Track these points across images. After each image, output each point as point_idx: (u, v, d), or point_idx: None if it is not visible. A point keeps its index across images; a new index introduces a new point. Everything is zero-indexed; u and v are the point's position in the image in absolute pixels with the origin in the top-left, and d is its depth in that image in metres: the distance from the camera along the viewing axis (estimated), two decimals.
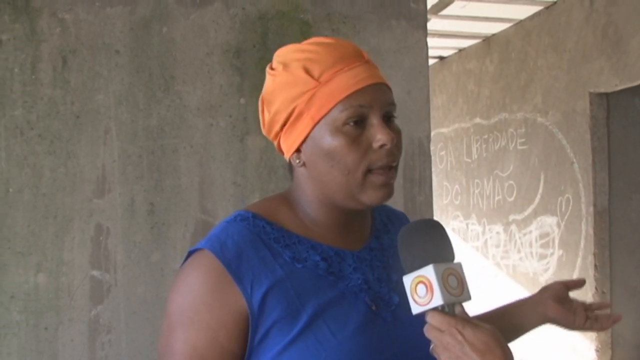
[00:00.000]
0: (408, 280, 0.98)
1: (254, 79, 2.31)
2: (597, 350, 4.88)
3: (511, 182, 6.17)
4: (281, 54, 1.11)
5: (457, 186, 7.45)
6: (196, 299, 1.01)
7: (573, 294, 1.46)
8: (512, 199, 6.15)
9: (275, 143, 1.14)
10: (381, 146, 1.04)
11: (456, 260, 1.00)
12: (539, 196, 5.67)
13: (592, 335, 4.87)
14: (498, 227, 6.41)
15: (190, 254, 1.08)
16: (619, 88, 4.68)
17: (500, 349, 0.92)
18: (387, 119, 1.08)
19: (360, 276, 1.09)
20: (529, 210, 5.84)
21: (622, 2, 4.58)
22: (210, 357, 1.00)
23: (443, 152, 7.74)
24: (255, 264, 1.03)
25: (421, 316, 0.98)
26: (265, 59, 2.33)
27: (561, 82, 5.30)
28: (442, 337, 0.94)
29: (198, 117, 2.27)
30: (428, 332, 0.96)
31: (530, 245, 5.82)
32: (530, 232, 5.82)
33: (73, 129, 2.15)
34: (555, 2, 5.40)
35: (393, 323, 1.08)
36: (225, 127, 2.29)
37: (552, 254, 5.49)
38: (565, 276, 5.28)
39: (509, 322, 1.38)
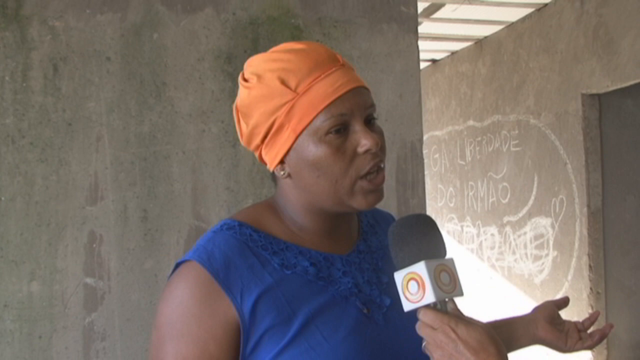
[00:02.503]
0: (399, 276, 0.97)
1: None
2: (592, 351, 4.89)
3: (505, 184, 6.18)
4: (253, 64, 1.09)
5: (451, 189, 7.46)
6: (185, 311, 1.00)
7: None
8: (506, 200, 6.16)
9: (257, 154, 1.12)
10: (366, 151, 1.03)
11: (448, 257, 0.99)
12: (533, 198, 5.68)
13: None
14: (493, 229, 6.42)
15: (178, 265, 1.06)
16: (610, 89, 4.70)
17: (494, 346, 0.92)
18: (368, 122, 1.07)
19: (350, 280, 1.09)
20: (523, 211, 5.85)
21: (613, 4, 4.61)
22: None
23: (437, 155, 7.75)
24: (244, 272, 1.02)
25: (413, 317, 0.97)
26: None
27: (553, 83, 5.32)
28: (434, 334, 0.93)
29: (190, 123, 2.26)
30: (420, 329, 0.95)
31: (525, 246, 5.82)
32: (525, 233, 5.83)
33: (65, 137, 2.15)
34: (546, 4, 5.42)
35: (385, 325, 1.07)
36: (217, 133, 2.29)
37: (546, 255, 5.50)
38: (559, 277, 5.29)
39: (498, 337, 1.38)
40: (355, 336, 1.03)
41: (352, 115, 1.04)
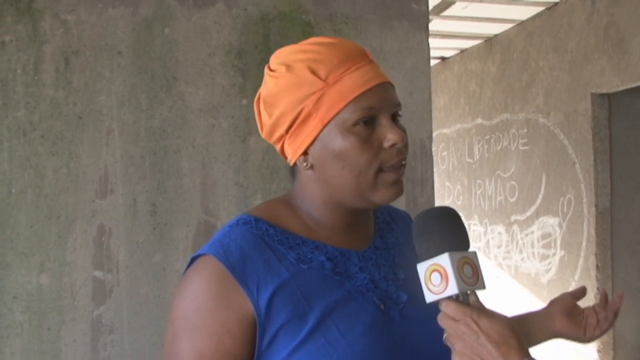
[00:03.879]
0: (422, 268, 0.97)
1: (256, 80, 2.32)
2: (599, 351, 4.87)
3: (513, 182, 6.17)
4: (281, 55, 1.10)
5: (459, 187, 7.44)
6: (201, 305, 1.00)
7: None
8: (514, 199, 6.15)
9: (278, 147, 1.12)
10: (392, 145, 1.04)
11: (471, 249, 0.99)
12: (540, 197, 5.67)
13: None
14: (500, 228, 6.41)
15: (194, 260, 1.06)
16: (620, 89, 4.68)
17: (515, 339, 0.92)
18: (395, 119, 1.08)
19: (367, 275, 1.08)
20: (531, 210, 5.83)
21: (624, 3, 4.58)
22: None
23: (445, 153, 7.73)
24: (260, 266, 1.02)
25: (430, 313, 0.97)
26: (267, 60, 2.29)
27: (563, 82, 5.30)
28: (456, 326, 0.93)
29: (200, 118, 2.27)
30: (442, 320, 0.95)
31: (532, 245, 5.81)
32: (532, 232, 5.81)
33: (75, 130, 2.16)
34: (556, 3, 5.40)
35: (402, 322, 1.07)
36: (227, 128, 2.30)
37: (554, 254, 5.48)
38: (567, 277, 5.28)
39: None
40: (373, 332, 1.03)
41: (380, 110, 1.05)
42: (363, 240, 1.15)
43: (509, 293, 6.20)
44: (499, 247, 6.46)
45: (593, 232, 4.90)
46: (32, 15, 2.14)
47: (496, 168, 6.51)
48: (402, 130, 1.08)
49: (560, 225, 5.37)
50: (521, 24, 5.97)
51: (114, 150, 2.18)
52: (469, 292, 0.96)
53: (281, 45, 2.34)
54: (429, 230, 0.99)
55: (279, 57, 1.10)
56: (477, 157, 6.95)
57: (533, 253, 5.82)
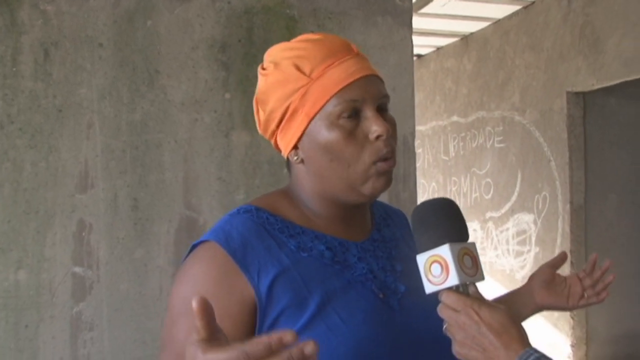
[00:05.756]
0: (422, 259, 0.97)
1: (239, 74, 2.29)
2: (572, 346, 4.94)
3: (488, 179, 6.22)
4: (271, 54, 1.12)
5: (434, 184, 7.49)
6: (201, 289, 1.00)
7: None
8: (489, 196, 6.20)
9: (272, 142, 1.15)
10: (377, 137, 1.05)
11: (470, 241, 1.00)
12: (516, 194, 5.72)
13: (567, 330, 4.93)
14: (475, 225, 6.46)
15: (194, 247, 1.07)
16: (595, 87, 4.74)
17: (515, 328, 0.93)
18: (382, 111, 1.08)
19: (365, 266, 1.10)
20: (506, 207, 5.89)
21: (600, 3, 4.64)
22: None
23: (420, 150, 7.77)
24: (261, 253, 1.03)
25: (428, 304, 0.98)
26: (250, 54, 2.31)
27: (539, 81, 5.35)
28: (457, 316, 0.94)
29: (182, 112, 2.24)
30: (442, 311, 0.96)
31: (507, 242, 5.87)
32: (507, 229, 5.87)
33: (55, 123, 2.11)
34: (533, 2, 5.45)
35: (400, 311, 1.08)
36: (210, 122, 2.27)
37: (528, 251, 5.54)
38: None
39: None
40: (373, 319, 1.04)
41: (363, 102, 1.05)
42: (361, 233, 1.16)
43: (483, 289, 6.24)
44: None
45: (568, 229, 4.96)
46: (9, 5, 2.09)
47: (471, 165, 6.55)
48: (391, 121, 1.09)
49: (535, 222, 5.43)
50: (497, 23, 6.02)
51: (95, 144, 2.15)
52: (468, 283, 0.96)
53: (265, 40, 2.34)
54: (428, 221, 0.99)
55: (269, 56, 1.13)
56: (453, 154, 6.99)
57: (508, 250, 5.87)
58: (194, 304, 0.70)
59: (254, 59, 2.30)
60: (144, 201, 2.19)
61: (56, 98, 2.11)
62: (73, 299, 2.12)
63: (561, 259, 1.47)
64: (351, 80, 1.05)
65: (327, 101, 1.04)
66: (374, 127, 1.04)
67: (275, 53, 1.11)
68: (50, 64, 2.12)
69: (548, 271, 1.43)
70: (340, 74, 1.05)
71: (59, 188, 2.11)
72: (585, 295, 1.41)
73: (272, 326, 1.01)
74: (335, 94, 1.04)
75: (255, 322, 1.01)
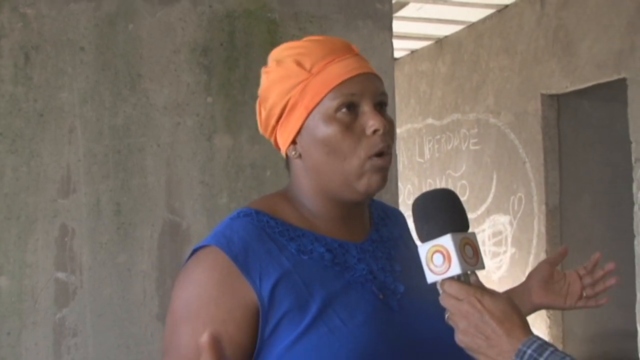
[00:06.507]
0: (424, 249, 0.98)
1: (221, 78, 2.29)
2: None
3: (464, 181, 6.28)
4: (274, 53, 1.14)
5: (409, 186, 7.53)
6: (203, 293, 1.01)
7: None
8: (464, 198, 6.25)
9: (272, 139, 1.15)
10: (374, 132, 1.05)
11: (470, 231, 1.01)
12: (491, 195, 5.78)
13: (544, 329, 5.00)
14: None
15: (194, 252, 1.07)
16: (569, 90, 4.82)
17: (517, 316, 0.94)
18: (380, 108, 1.09)
19: (365, 266, 1.10)
20: (482, 209, 5.95)
21: (572, 7, 4.72)
22: None
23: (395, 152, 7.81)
24: (262, 257, 1.03)
25: (426, 303, 0.99)
26: (232, 58, 2.31)
27: (513, 83, 5.42)
28: (460, 305, 0.95)
29: (165, 115, 2.23)
30: (444, 300, 0.97)
31: (483, 243, 5.93)
32: (483, 230, 5.93)
33: (36, 128, 2.09)
34: (507, 6, 5.52)
35: (400, 312, 1.09)
36: (192, 126, 2.27)
37: (504, 252, 5.60)
38: (517, 274, 5.40)
39: None
40: (373, 321, 1.04)
41: (361, 97, 1.07)
42: (360, 233, 1.16)
43: None
44: None
45: (543, 230, 5.03)
46: None
47: (447, 167, 6.61)
48: (388, 119, 1.09)
49: (511, 223, 5.50)
50: (472, 26, 6.08)
51: (77, 148, 2.13)
52: (469, 272, 0.97)
53: (247, 43, 2.34)
54: (429, 212, 1.00)
55: (272, 55, 1.14)
56: (428, 156, 7.04)
57: (484, 251, 5.93)
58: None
59: (236, 63, 2.30)
60: (127, 206, 2.18)
61: (37, 102, 2.10)
62: (56, 304, 2.10)
63: (561, 254, 1.46)
64: (350, 75, 1.06)
65: (326, 95, 1.06)
66: (370, 121, 1.05)
67: (278, 52, 1.13)
68: (31, 67, 2.10)
69: (547, 268, 1.43)
70: (340, 70, 1.07)
71: (41, 193, 2.09)
72: (584, 294, 1.40)
73: (275, 329, 1.01)
74: (334, 87, 1.05)
75: (258, 326, 1.01)
